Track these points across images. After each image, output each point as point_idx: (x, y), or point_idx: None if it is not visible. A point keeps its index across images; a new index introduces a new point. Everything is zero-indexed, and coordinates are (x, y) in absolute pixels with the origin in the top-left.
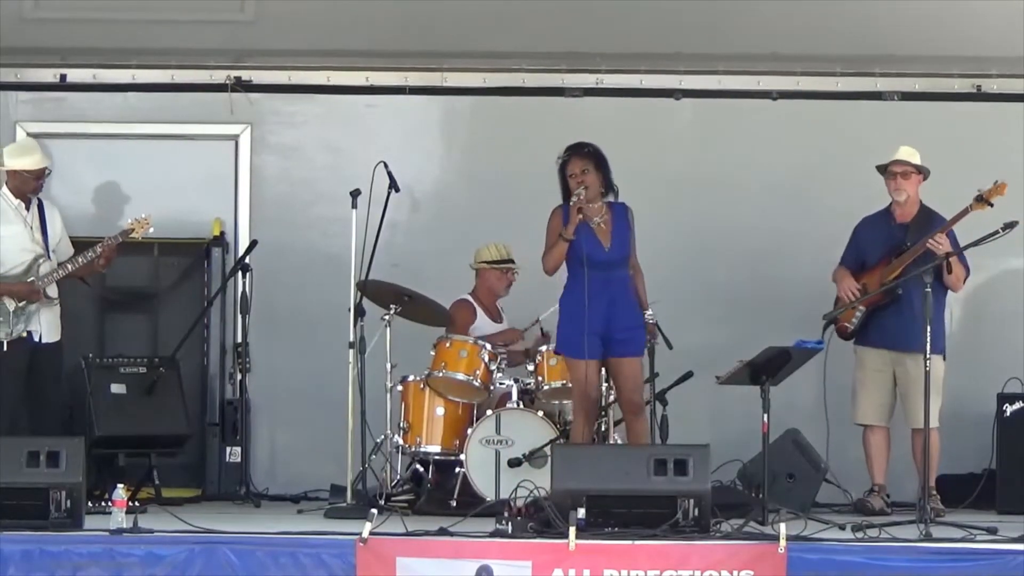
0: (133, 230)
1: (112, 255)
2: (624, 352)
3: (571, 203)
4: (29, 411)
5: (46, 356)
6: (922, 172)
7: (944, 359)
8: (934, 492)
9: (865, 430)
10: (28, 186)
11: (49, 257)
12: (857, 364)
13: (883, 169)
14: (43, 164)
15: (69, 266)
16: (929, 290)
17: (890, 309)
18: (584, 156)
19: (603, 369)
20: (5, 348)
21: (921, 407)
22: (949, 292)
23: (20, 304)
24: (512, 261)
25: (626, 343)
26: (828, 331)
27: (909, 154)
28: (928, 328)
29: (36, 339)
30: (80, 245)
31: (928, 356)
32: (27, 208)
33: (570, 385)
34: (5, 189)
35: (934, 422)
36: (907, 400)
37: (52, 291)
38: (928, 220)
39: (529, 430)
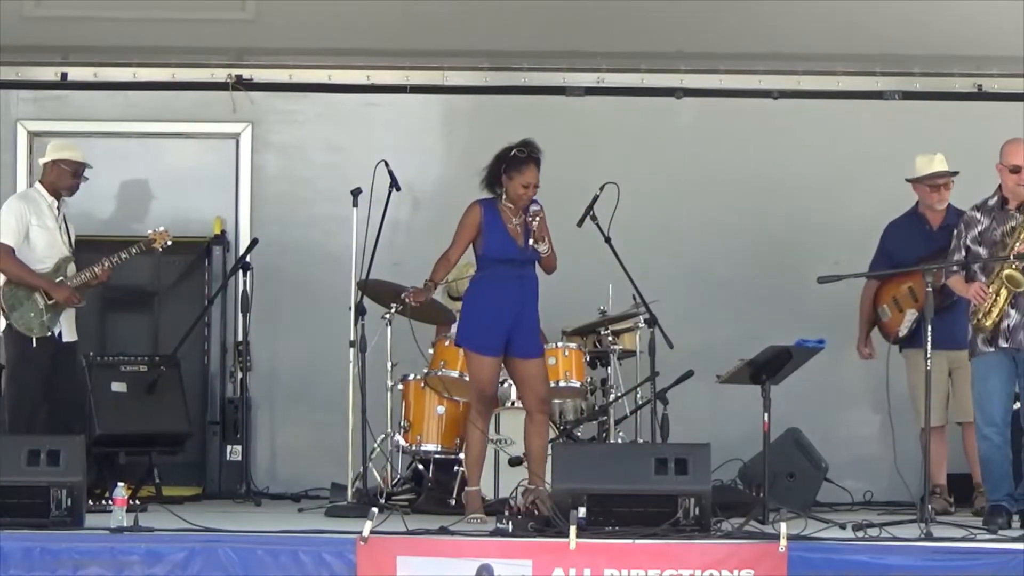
0: (154, 241)
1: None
2: (528, 354)
3: (530, 224)
4: (49, 409)
5: (67, 355)
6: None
7: None
8: (983, 490)
9: (922, 432)
10: (65, 181)
11: (74, 259)
12: (912, 368)
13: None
14: (81, 159)
15: (97, 269)
16: (930, 289)
17: (946, 310)
18: (538, 167)
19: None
20: (34, 344)
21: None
22: None
23: (51, 302)
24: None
25: (530, 345)
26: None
27: (945, 162)
28: (929, 327)
29: (58, 338)
30: (81, 244)
31: (928, 355)
32: (58, 210)
33: (574, 384)
34: (40, 187)
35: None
36: (960, 395)
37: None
38: (958, 219)
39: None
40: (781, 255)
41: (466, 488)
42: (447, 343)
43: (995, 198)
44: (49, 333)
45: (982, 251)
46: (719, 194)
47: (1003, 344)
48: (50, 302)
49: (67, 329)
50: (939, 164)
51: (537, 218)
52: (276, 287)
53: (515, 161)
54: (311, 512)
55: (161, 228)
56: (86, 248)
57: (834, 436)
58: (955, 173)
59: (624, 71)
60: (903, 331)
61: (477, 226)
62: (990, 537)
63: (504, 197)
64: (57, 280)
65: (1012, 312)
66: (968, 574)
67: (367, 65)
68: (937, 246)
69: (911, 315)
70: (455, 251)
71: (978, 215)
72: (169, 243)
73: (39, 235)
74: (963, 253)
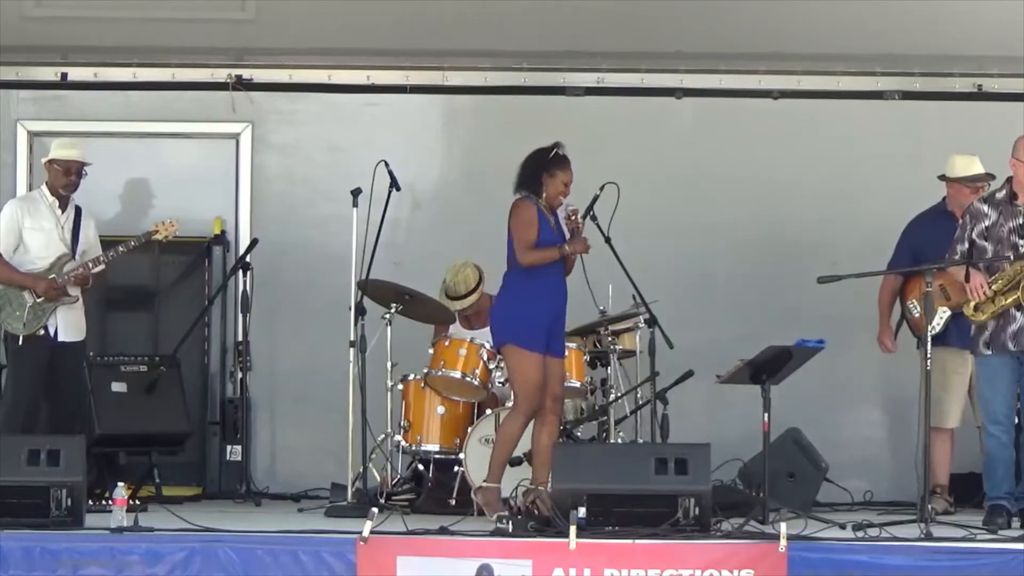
0: (156, 232)
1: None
2: (560, 353)
3: (572, 222)
4: (49, 408)
5: (66, 354)
6: None
7: None
8: None
9: (936, 432)
10: (59, 180)
11: (75, 258)
12: (934, 367)
13: (947, 177)
14: (75, 158)
15: (91, 264)
16: (930, 289)
17: None
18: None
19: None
20: (21, 342)
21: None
22: None
23: (38, 300)
24: (471, 293)
25: (561, 344)
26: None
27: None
28: (929, 327)
29: (53, 336)
30: None
31: (928, 355)
32: (62, 209)
33: (575, 384)
34: (44, 187)
35: None
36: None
37: (73, 290)
38: None
39: (528, 429)
40: (781, 255)
41: (486, 484)
42: (447, 343)
43: (1003, 191)
44: (39, 332)
45: (987, 246)
46: (719, 194)
47: (1011, 347)
48: (39, 300)
49: (65, 328)
50: (979, 166)
51: (576, 216)
52: (276, 287)
53: (558, 159)
54: (311, 512)
55: (166, 220)
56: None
57: (834, 436)
58: (994, 176)
59: (624, 71)
60: (935, 329)
61: (536, 222)
62: (990, 537)
63: (542, 196)
64: (50, 277)
65: (1018, 315)
66: (968, 574)
67: (367, 65)
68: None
69: (942, 313)
70: (533, 240)
71: (985, 208)
72: (176, 233)
73: (33, 236)
74: (966, 245)
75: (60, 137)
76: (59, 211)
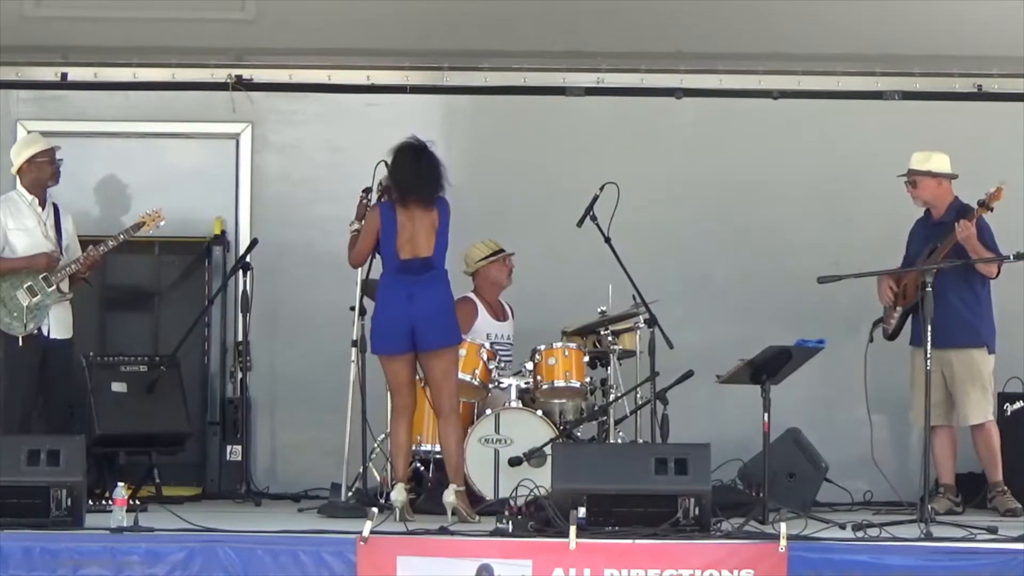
0: (144, 224)
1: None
2: None
3: None
4: (41, 406)
5: (57, 352)
6: (936, 175)
7: (990, 352)
8: (1004, 489)
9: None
10: (46, 172)
11: (62, 255)
12: (910, 364)
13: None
14: (50, 145)
15: (80, 258)
16: (929, 290)
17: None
18: None
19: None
20: (20, 343)
21: (966, 403)
22: (994, 284)
23: (34, 300)
24: (503, 250)
25: None
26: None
27: (919, 160)
28: (929, 328)
29: (46, 335)
30: (81, 243)
31: (928, 354)
32: (42, 206)
33: (574, 385)
34: (20, 188)
35: (987, 416)
36: (955, 397)
37: (65, 286)
38: (960, 216)
39: (528, 429)
40: (781, 255)
41: (461, 488)
42: None
43: None
44: (34, 331)
45: None
46: (719, 194)
47: None
48: (34, 299)
49: (56, 326)
50: (912, 162)
51: None
52: (276, 287)
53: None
54: (311, 512)
55: (152, 208)
56: (85, 248)
57: (834, 436)
58: (925, 172)
59: (624, 71)
60: (890, 328)
61: None
62: (990, 537)
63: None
64: (41, 276)
65: None
66: (968, 574)
67: (367, 65)
68: (929, 241)
69: (897, 312)
70: None
71: None
72: (162, 223)
73: (18, 237)
74: None
75: (16, 142)
76: (39, 209)
